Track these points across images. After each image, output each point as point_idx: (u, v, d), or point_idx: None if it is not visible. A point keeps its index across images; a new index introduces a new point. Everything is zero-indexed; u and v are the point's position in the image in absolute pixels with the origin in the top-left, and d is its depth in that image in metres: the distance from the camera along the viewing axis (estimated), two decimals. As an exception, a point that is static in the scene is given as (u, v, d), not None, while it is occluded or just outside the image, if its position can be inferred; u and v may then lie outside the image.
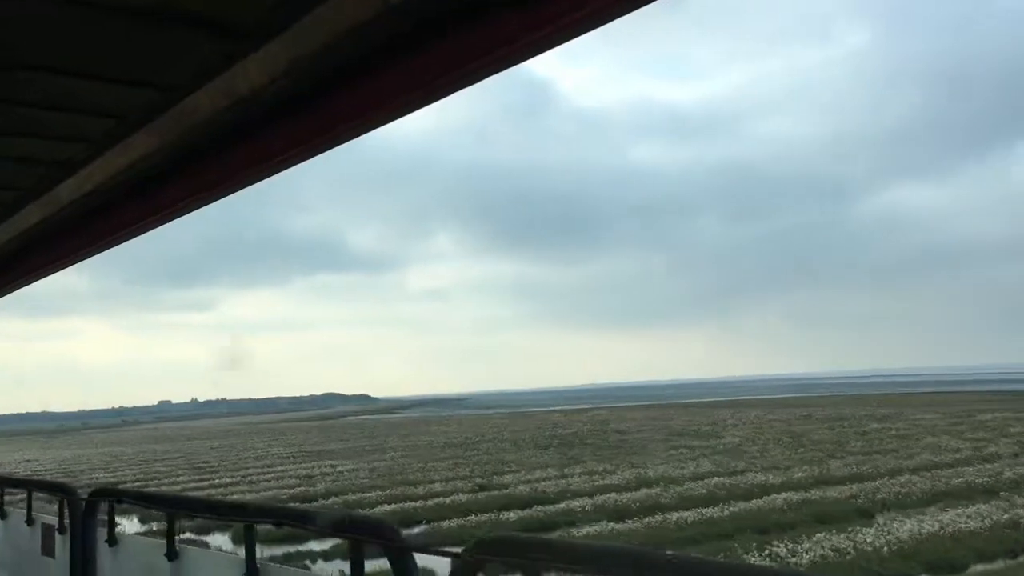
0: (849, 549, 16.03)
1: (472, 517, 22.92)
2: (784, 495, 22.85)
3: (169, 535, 3.57)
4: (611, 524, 21.09)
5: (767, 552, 15.87)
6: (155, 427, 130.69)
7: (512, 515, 22.90)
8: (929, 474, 25.81)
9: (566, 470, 32.65)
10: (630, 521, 20.98)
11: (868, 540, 16.61)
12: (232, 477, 38.20)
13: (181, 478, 39.95)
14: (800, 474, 27.14)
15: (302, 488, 32.14)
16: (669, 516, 21.11)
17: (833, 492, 23.22)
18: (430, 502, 26.24)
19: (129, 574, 3.96)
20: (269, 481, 35.45)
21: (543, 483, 29.08)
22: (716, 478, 27.41)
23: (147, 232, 3.88)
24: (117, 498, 4.28)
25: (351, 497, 28.60)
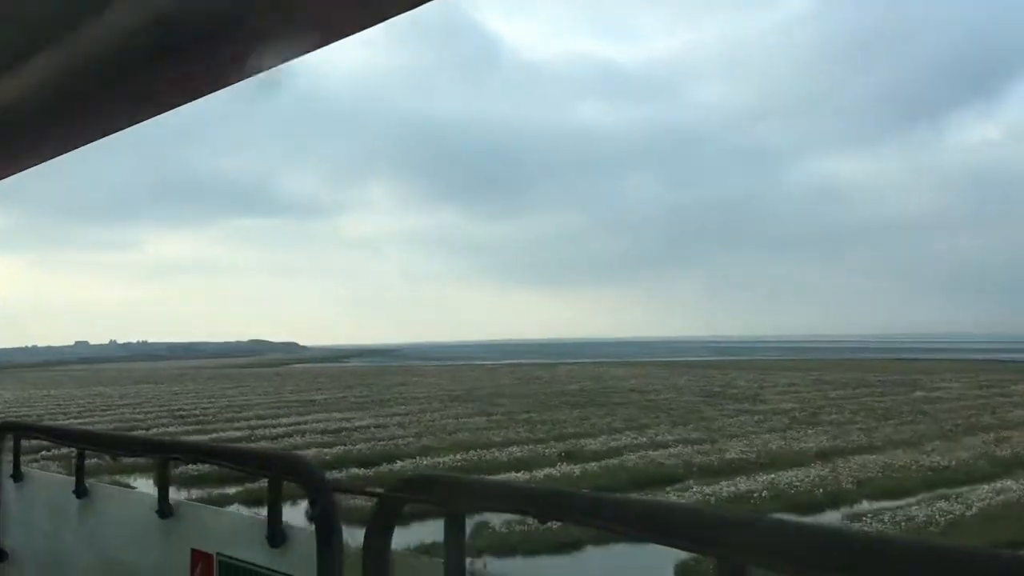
0: None
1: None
2: (1010, 485, 18.78)
3: (78, 471, 3.37)
4: (825, 516, 16.72)
5: None
6: (86, 368, 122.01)
7: (675, 498, 18.29)
8: None
9: (650, 436, 28.16)
10: (860, 516, 16.57)
11: None
12: (237, 430, 32.63)
13: (170, 428, 34.26)
14: (964, 454, 23.14)
15: (342, 447, 27.00)
16: (904, 508, 16.82)
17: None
18: (537, 473, 21.48)
19: (35, 510, 3.70)
20: (291, 436, 30.12)
21: (645, 453, 24.51)
22: (857, 456, 23.20)
23: (56, 159, 3.48)
24: (22, 431, 3.96)
25: (425, 460, 23.73)
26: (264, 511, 2.48)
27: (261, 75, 2.44)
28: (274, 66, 2.38)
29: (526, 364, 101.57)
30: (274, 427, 33.52)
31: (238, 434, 31.23)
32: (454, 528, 1.95)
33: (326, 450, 26.34)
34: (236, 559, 2.63)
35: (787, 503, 17.76)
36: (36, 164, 3.63)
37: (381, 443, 27.69)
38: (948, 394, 44.30)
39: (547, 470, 21.97)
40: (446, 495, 2.00)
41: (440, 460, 23.79)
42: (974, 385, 50.81)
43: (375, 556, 2.09)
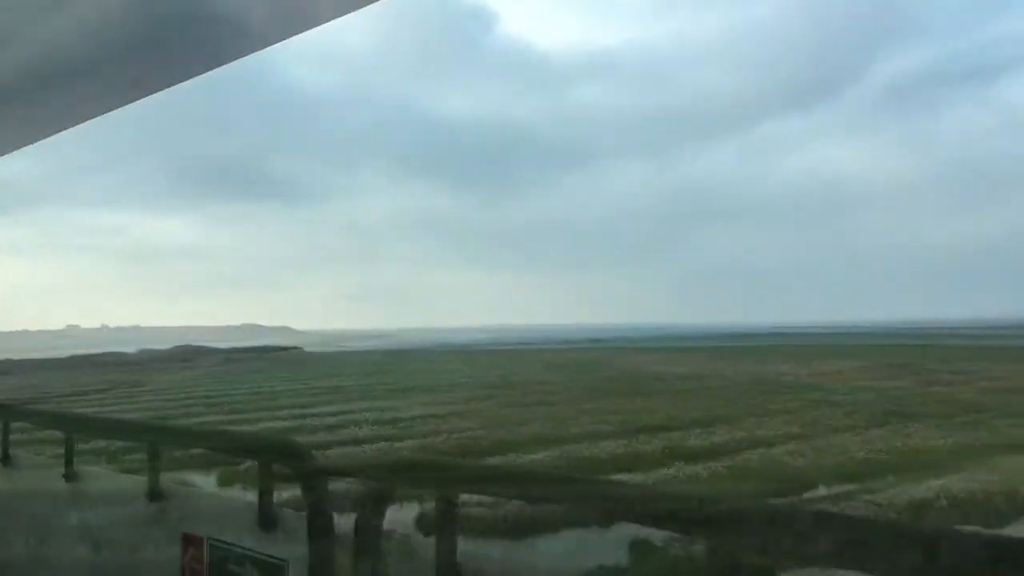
0: None
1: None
2: None
3: (67, 455, 3.43)
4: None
5: None
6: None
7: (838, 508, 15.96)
8: None
9: (746, 429, 25.83)
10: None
11: None
12: (280, 420, 30.13)
13: (205, 417, 31.82)
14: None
15: (411, 440, 24.62)
16: None
17: None
18: (652, 474, 19.15)
19: (24, 494, 3.70)
20: (346, 427, 27.63)
21: (764, 451, 22.16)
22: (999, 457, 20.81)
23: (34, 144, 3.47)
24: (9, 414, 3.95)
25: (511, 456, 21.33)
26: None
27: (252, 56, 2.39)
28: (266, 46, 2.31)
29: (535, 350, 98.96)
30: (320, 416, 31.04)
31: (285, 424, 28.77)
32: (446, 510, 1.98)
33: (396, 444, 23.96)
34: (227, 543, 2.61)
35: (971, 514, 15.44)
36: (21, 147, 3.52)
37: (454, 436, 25.28)
38: (1012, 383, 42.09)
39: (663, 471, 19.63)
40: (437, 478, 2.02)
41: (532, 457, 21.46)
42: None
43: (367, 539, 2.14)
